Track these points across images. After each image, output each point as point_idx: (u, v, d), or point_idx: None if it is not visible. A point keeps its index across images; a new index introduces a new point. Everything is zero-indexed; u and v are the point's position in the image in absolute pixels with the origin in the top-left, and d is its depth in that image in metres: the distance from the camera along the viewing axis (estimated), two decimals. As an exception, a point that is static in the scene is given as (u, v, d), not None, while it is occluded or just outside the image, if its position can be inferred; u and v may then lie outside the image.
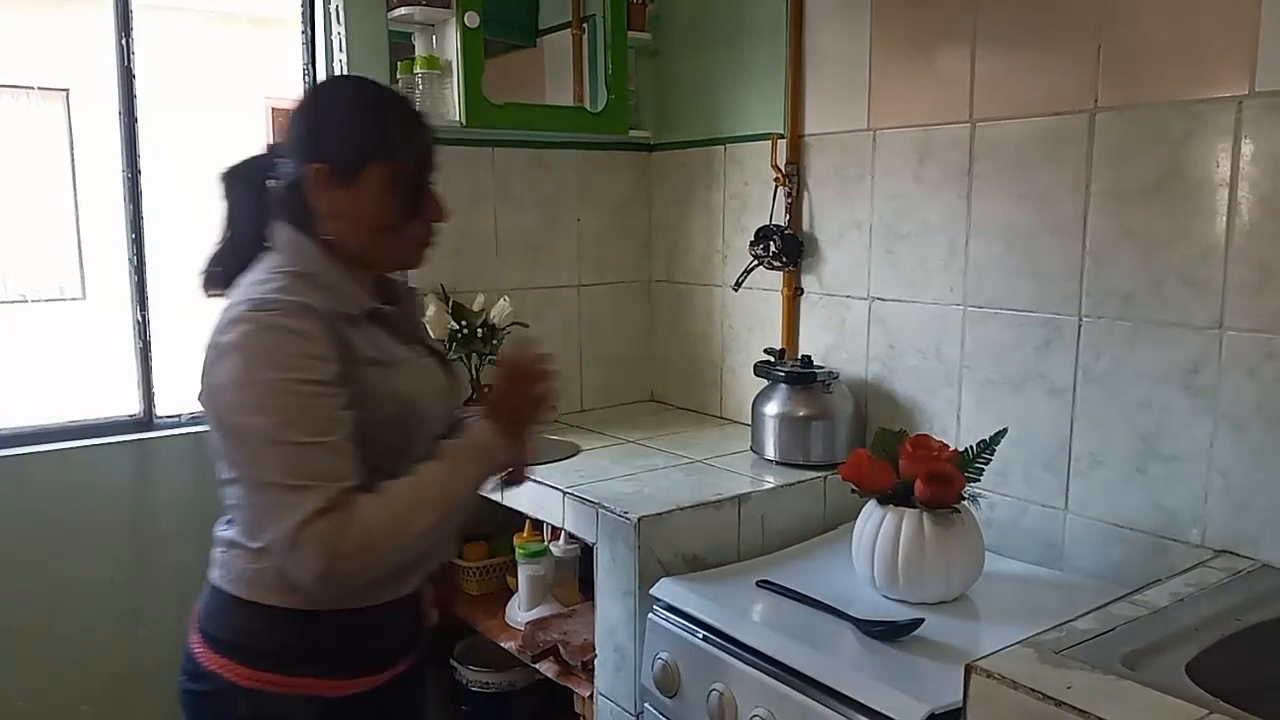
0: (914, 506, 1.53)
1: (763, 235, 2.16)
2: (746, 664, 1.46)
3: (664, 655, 1.60)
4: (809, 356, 2.05)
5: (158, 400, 2.18)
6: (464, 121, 2.16)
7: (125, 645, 2.10)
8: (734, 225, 2.33)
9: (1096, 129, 1.62)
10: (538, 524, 2.12)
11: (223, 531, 1.31)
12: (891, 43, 1.94)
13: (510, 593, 2.21)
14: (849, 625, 1.46)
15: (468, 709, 2.28)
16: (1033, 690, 1.05)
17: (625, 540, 1.69)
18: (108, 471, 2.05)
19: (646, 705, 1.67)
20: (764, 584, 1.62)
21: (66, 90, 5.02)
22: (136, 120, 2.08)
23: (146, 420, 2.16)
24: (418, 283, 2.26)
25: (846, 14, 2.01)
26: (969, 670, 1.11)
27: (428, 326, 2.19)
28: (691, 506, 1.74)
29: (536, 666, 1.99)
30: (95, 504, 2.05)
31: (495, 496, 2.05)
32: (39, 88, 4.97)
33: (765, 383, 2.06)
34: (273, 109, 5.24)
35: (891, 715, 1.25)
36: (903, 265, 1.96)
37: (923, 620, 1.43)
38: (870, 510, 1.58)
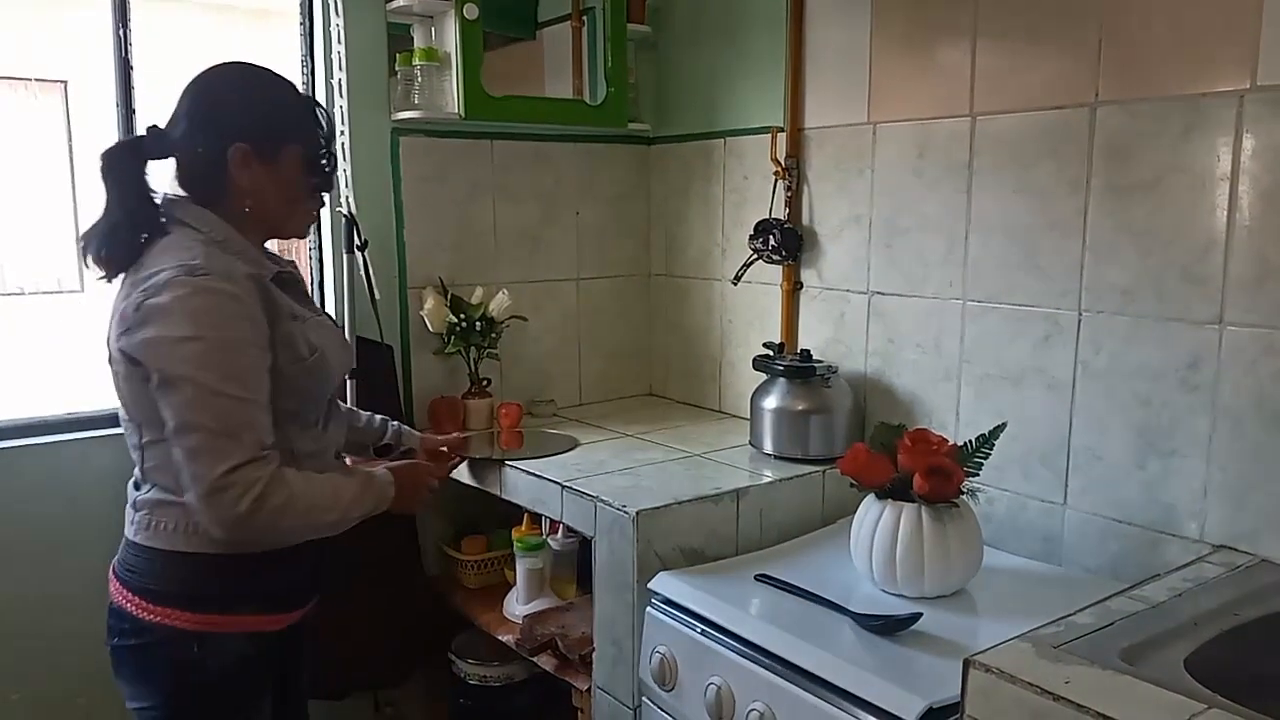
0: (912, 501, 1.53)
1: (762, 229, 2.16)
2: (744, 658, 1.46)
3: (662, 649, 1.60)
4: (808, 350, 2.04)
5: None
6: (463, 114, 2.16)
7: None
8: (733, 219, 2.33)
9: (1097, 123, 1.62)
10: (536, 517, 2.12)
11: (144, 495, 1.41)
12: (892, 36, 1.94)
13: (508, 586, 2.21)
14: (847, 619, 1.46)
15: (465, 702, 2.28)
16: (1031, 684, 1.05)
17: (623, 534, 1.69)
18: (101, 464, 2.05)
19: (644, 699, 1.67)
20: (762, 578, 1.62)
21: (64, 82, 5.01)
22: (134, 112, 2.07)
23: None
24: (416, 277, 2.26)
25: (847, 7, 2.01)
26: (967, 664, 1.11)
27: (426, 320, 2.21)
28: (690, 500, 1.73)
29: (534, 660, 1.99)
30: (89, 496, 2.04)
31: (494, 490, 2.05)
32: (37, 79, 4.96)
33: (764, 377, 2.06)
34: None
35: (889, 709, 1.25)
36: (902, 260, 1.95)
37: (921, 614, 1.43)
38: (869, 504, 1.58)
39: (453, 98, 2.16)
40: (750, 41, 2.23)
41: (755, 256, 2.18)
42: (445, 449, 1.84)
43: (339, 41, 2.10)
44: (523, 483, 1.96)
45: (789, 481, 1.88)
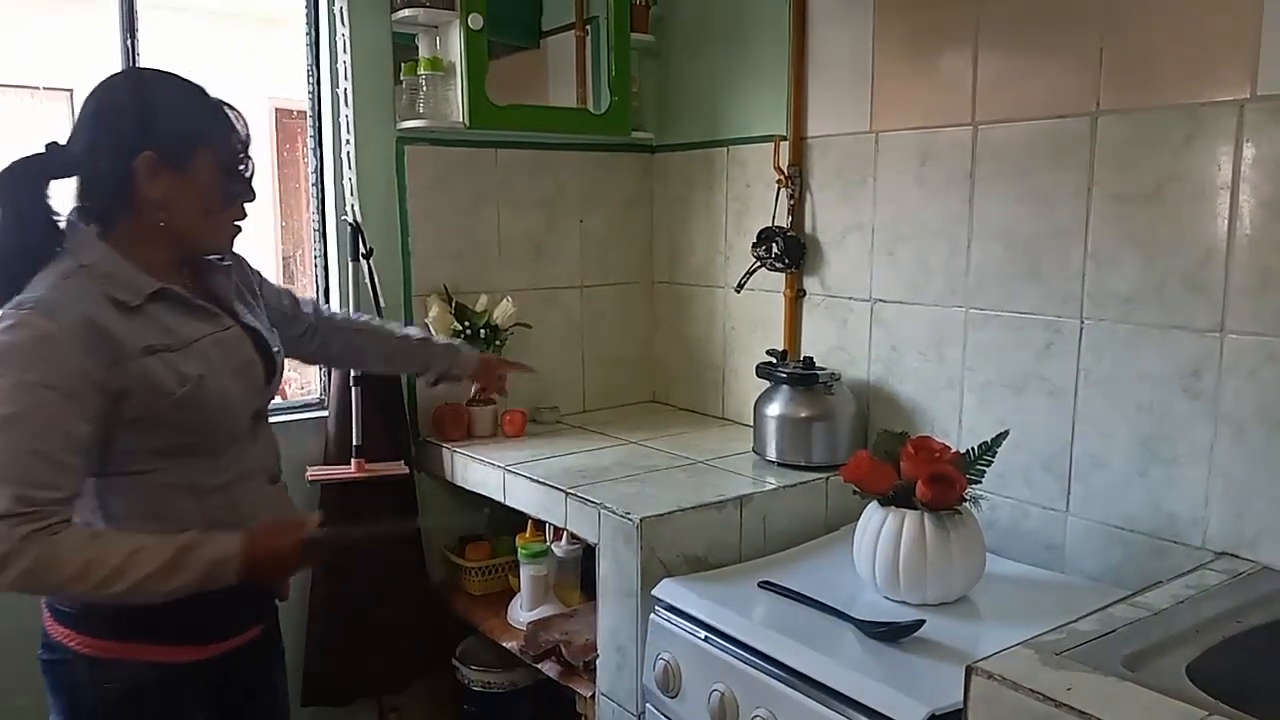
0: (915, 508, 1.53)
1: (765, 237, 2.17)
2: (748, 664, 1.46)
3: (665, 655, 1.60)
4: (811, 358, 2.05)
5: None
6: (467, 123, 2.17)
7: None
8: (736, 227, 2.34)
9: (1098, 132, 1.63)
10: (540, 524, 2.13)
11: None
12: (894, 45, 1.95)
13: (512, 593, 2.22)
14: (850, 626, 1.46)
15: (470, 709, 2.28)
16: (1033, 691, 1.06)
17: (627, 541, 1.70)
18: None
19: (648, 705, 1.68)
20: (766, 585, 1.62)
21: (70, 90, 5.03)
22: (141, 120, 2.08)
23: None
24: (421, 284, 2.27)
25: (849, 16, 2.02)
26: (970, 671, 1.12)
27: (431, 327, 2.20)
28: (693, 507, 1.74)
29: (538, 666, 2.00)
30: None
31: (498, 496, 2.06)
32: (44, 88, 4.98)
33: (767, 384, 2.06)
34: (276, 109, 5.24)
35: (892, 716, 1.25)
36: (904, 267, 1.96)
37: (924, 621, 1.44)
38: (872, 511, 1.59)
39: (457, 107, 2.18)
40: (753, 51, 2.25)
41: (758, 264, 2.19)
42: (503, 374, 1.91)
43: (345, 50, 2.12)
44: (527, 489, 1.97)
45: (792, 489, 1.88)
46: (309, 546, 1.36)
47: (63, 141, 1.31)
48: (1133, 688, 1.06)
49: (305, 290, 2.39)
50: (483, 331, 2.22)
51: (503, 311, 2.25)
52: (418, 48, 2.24)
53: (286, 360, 1.56)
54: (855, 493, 1.62)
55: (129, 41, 2.04)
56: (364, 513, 2.15)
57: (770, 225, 2.18)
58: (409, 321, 2.26)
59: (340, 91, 2.14)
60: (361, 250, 2.14)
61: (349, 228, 2.14)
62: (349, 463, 2.12)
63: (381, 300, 2.14)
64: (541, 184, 2.42)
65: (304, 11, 2.20)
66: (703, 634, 1.55)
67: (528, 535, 2.15)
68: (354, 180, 2.14)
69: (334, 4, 2.12)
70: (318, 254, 2.28)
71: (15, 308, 1.22)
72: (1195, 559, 1.52)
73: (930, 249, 1.91)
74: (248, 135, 1.38)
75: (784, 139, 2.16)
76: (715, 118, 2.37)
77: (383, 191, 2.21)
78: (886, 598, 1.56)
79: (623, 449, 2.17)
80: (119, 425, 1.27)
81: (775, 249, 2.14)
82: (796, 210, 2.16)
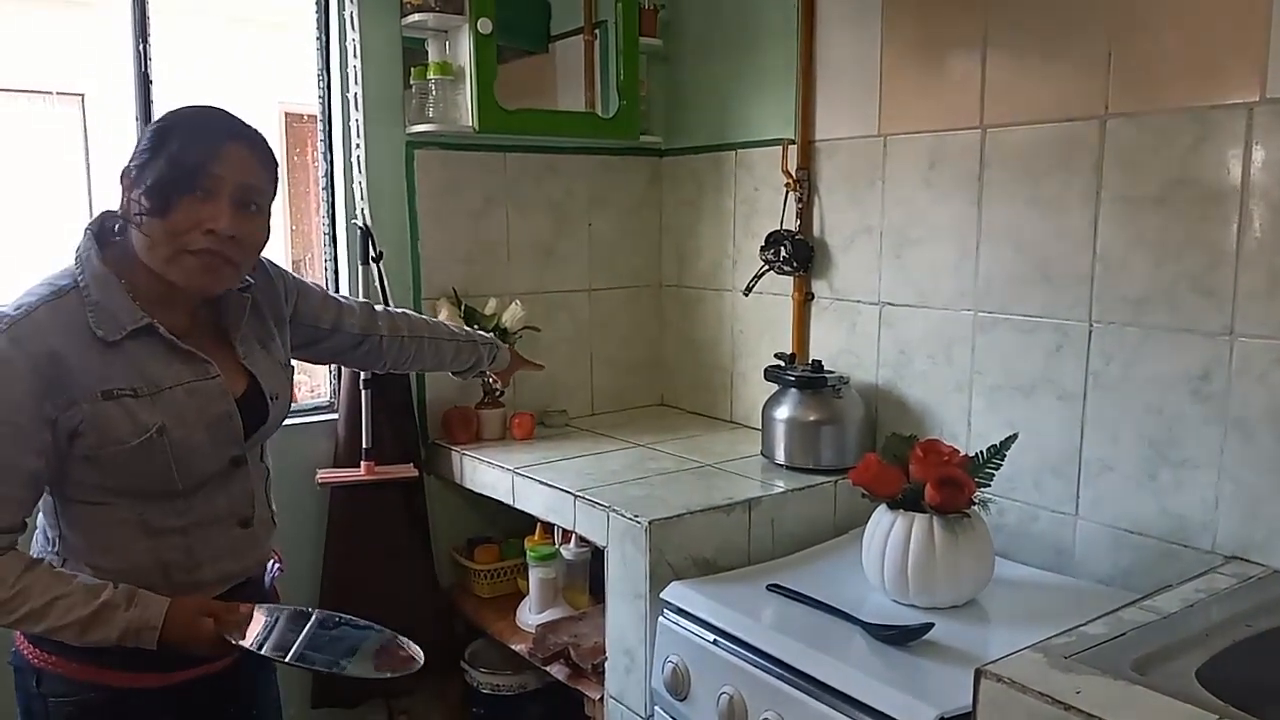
0: (924, 511, 1.53)
1: (773, 240, 2.17)
2: (757, 667, 1.46)
3: (674, 658, 1.61)
4: (819, 361, 2.05)
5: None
6: (476, 127, 2.18)
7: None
8: (744, 230, 2.34)
9: (1107, 135, 1.63)
10: (549, 527, 2.13)
11: None
12: (902, 49, 1.95)
13: (521, 596, 2.22)
14: (859, 629, 1.46)
15: (478, 711, 2.29)
16: (1042, 694, 1.06)
17: (636, 543, 1.70)
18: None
19: (657, 708, 1.68)
20: (774, 588, 1.62)
21: (81, 95, 5.06)
22: (153, 126, 2.09)
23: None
24: (430, 288, 2.28)
25: (858, 20, 2.02)
26: (979, 674, 1.12)
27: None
28: (702, 510, 1.74)
29: (547, 669, 2.00)
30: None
31: (507, 499, 2.07)
32: (57, 93, 5.02)
33: (775, 387, 2.06)
34: (285, 113, 5.26)
35: (901, 719, 1.25)
36: (913, 271, 1.96)
37: (932, 625, 1.44)
38: (880, 515, 1.59)
39: (467, 111, 2.19)
40: (761, 54, 2.25)
41: (766, 267, 2.19)
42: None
43: (355, 55, 2.13)
44: (536, 492, 1.98)
45: (800, 492, 1.89)
46: (228, 643, 1.30)
47: None
48: (1142, 691, 1.06)
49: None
50: (492, 334, 2.22)
51: (512, 315, 2.26)
52: (427, 52, 2.25)
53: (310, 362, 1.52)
54: (864, 496, 1.62)
55: (141, 47, 2.06)
56: (373, 516, 2.17)
57: (778, 228, 2.19)
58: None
59: (350, 96, 2.15)
60: (371, 254, 2.15)
61: (359, 231, 2.15)
62: (359, 465, 2.13)
63: (391, 304, 2.15)
64: (550, 188, 2.43)
65: (314, 16, 2.21)
66: (711, 637, 1.55)
67: (536, 538, 2.16)
68: (364, 184, 2.15)
69: (344, 9, 2.13)
70: (328, 257, 2.29)
71: None
72: (1205, 563, 1.52)
73: (939, 252, 1.91)
74: (198, 161, 1.24)
75: (792, 142, 2.17)
76: (723, 121, 2.37)
77: (392, 195, 2.22)
78: (895, 601, 1.56)
79: (631, 452, 2.17)
80: (72, 460, 1.25)
81: (783, 252, 2.15)
82: (805, 213, 2.17)
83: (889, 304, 2.02)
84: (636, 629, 1.72)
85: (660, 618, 1.65)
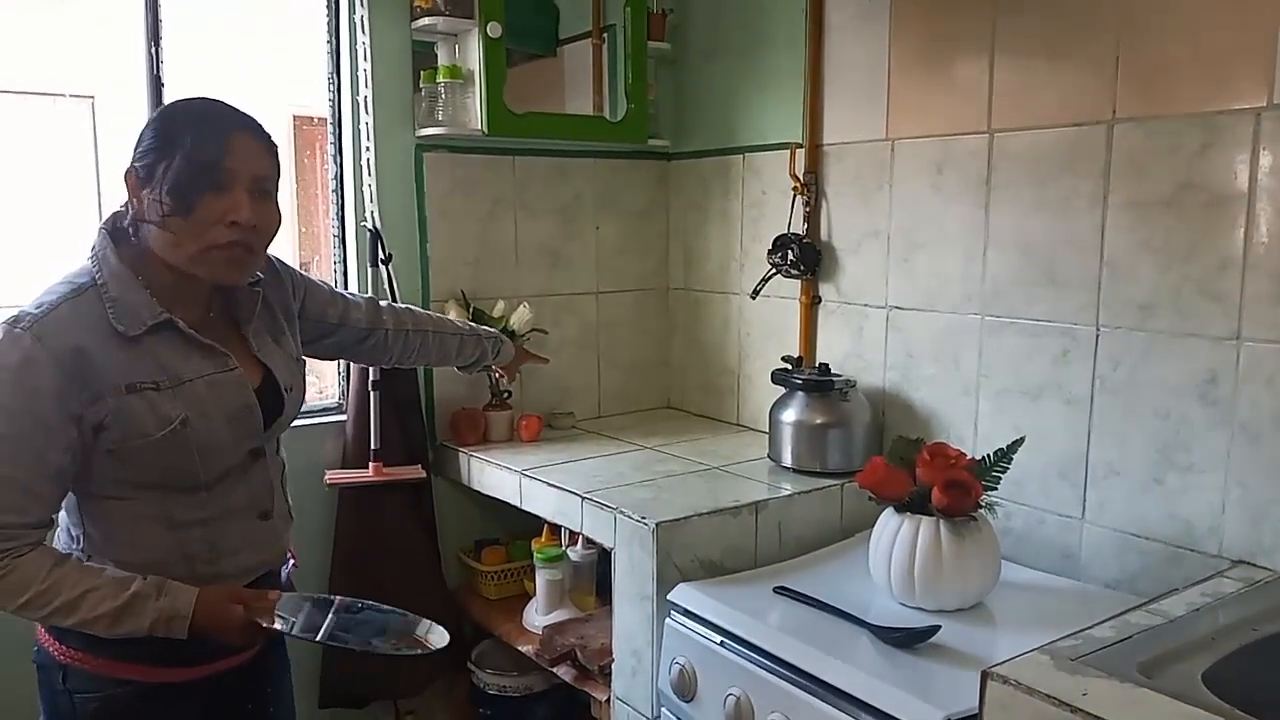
0: (931, 514, 1.54)
1: (780, 244, 2.18)
2: (763, 669, 1.47)
3: (681, 660, 1.61)
4: (826, 364, 2.06)
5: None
6: (485, 130, 2.19)
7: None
8: (752, 234, 2.35)
9: (1115, 140, 1.63)
10: (555, 529, 2.14)
11: None
12: (910, 53, 1.96)
13: (528, 597, 2.23)
14: (866, 631, 1.47)
15: (485, 712, 2.29)
16: (1049, 697, 1.06)
17: (643, 545, 1.71)
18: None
19: (664, 709, 1.68)
20: (781, 590, 1.63)
21: (92, 97, 5.09)
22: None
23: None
24: (439, 290, 2.29)
25: (865, 24, 2.03)
26: (985, 676, 1.12)
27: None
28: (709, 513, 1.75)
29: (554, 670, 2.00)
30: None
31: (514, 501, 2.08)
32: (69, 95, 5.04)
33: (782, 390, 2.07)
34: (294, 116, 5.28)
35: (908, 721, 1.26)
36: (920, 274, 1.97)
37: (939, 627, 1.44)
38: (887, 518, 1.59)
39: (476, 114, 2.20)
40: (769, 58, 2.26)
41: (774, 271, 2.20)
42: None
43: (365, 59, 2.14)
44: (543, 494, 1.99)
45: (807, 495, 1.89)
46: (258, 628, 1.33)
47: None
48: (1148, 694, 1.06)
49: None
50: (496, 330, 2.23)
51: (519, 317, 2.27)
52: (437, 56, 2.26)
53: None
54: (871, 499, 1.62)
55: (153, 49, 2.07)
56: (381, 516, 2.18)
57: (786, 232, 2.20)
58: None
59: (360, 99, 2.16)
60: (380, 256, 2.16)
61: (368, 233, 2.16)
62: (367, 466, 2.14)
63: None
64: (558, 191, 2.44)
65: (324, 20, 2.23)
66: (718, 638, 1.56)
67: (543, 540, 2.17)
68: (373, 187, 2.17)
69: (354, 12, 2.14)
70: (337, 259, 2.30)
71: (11, 324, 1.22)
72: (1211, 567, 1.52)
73: (946, 256, 1.91)
74: (216, 156, 1.26)
75: (800, 146, 2.17)
76: (731, 125, 2.38)
77: (401, 198, 2.23)
78: (902, 603, 1.57)
79: (638, 454, 2.18)
80: (97, 455, 1.27)
81: (791, 256, 2.15)
82: (812, 217, 2.17)
83: (896, 307, 2.02)
84: (643, 630, 1.73)
85: (667, 619, 1.66)
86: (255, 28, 5.41)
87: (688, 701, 1.60)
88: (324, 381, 2.47)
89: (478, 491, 2.21)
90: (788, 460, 2.01)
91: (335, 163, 2.27)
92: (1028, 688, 1.08)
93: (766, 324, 2.34)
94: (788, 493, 1.88)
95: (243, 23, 5.38)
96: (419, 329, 1.82)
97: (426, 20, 2.16)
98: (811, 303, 2.20)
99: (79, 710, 1.33)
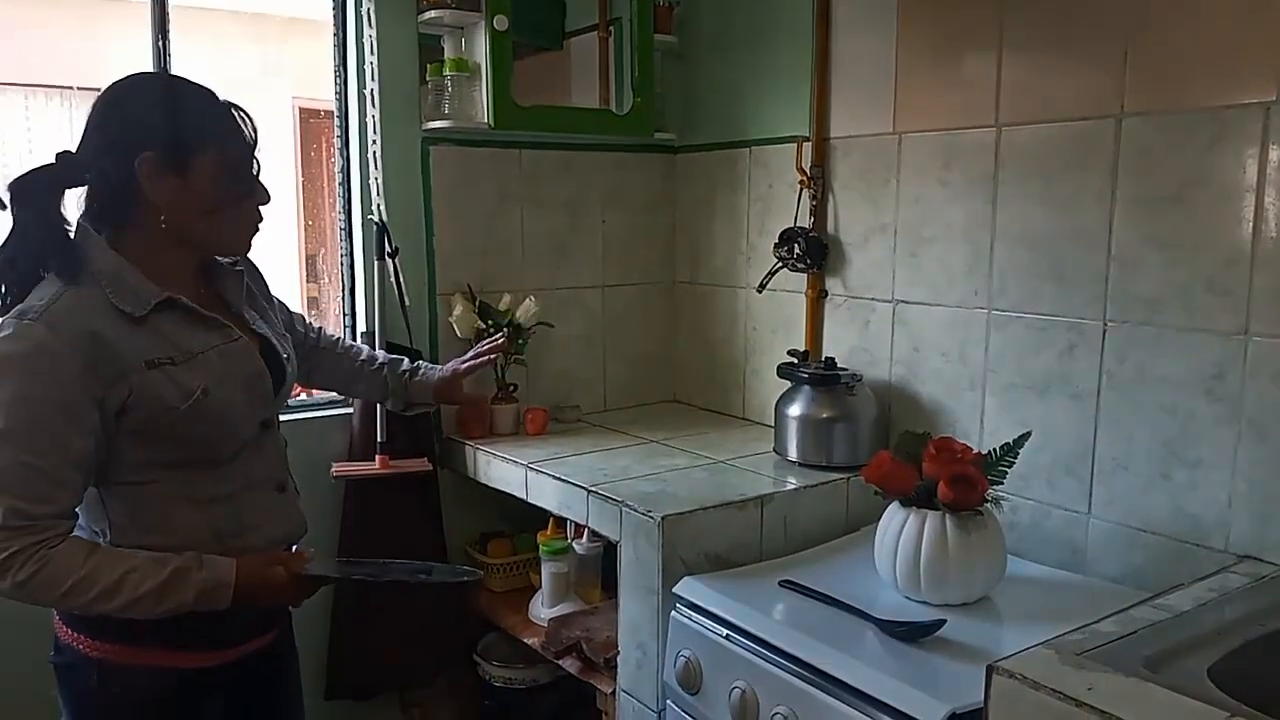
0: (937, 509, 1.54)
1: (787, 238, 2.18)
2: (769, 662, 1.47)
3: (686, 653, 1.62)
4: (833, 359, 2.06)
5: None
6: (492, 123, 2.19)
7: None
8: (758, 227, 2.35)
9: (1123, 134, 1.62)
10: (561, 522, 2.14)
11: None
12: (917, 47, 1.95)
13: (533, 590, 2.24)
14: (871, 625, 1.47)
15: (490, 704, 2.30)
16: (1054, 691, 1.06)
17: (649, 538, 1.71)
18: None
19: (669, 702, 1.69)
20: (786, 584, 1.63)
21: (99, 90, 5.13)
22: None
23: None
24: (445, 283, 2.29)
25: (873, 17, 2.02)
26: (991, 670, 1.12)
27: (455, 326, 2.21)
28: (715, 506, 1.75)
29: (559, 663, 2.01)
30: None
31: (520, 494, 2.08)
32: (78, 88, 5.05)
33: (788, 384, 2.07)
34: (300, 109, 5.29)
35: (913, 714, 1.26)
36: (927, 269, 1.96)
37: (944, 621, 1.44)
38: (893, 512, 1.59)
39: (482, 107, 2.20)
40: (776, 52, 2.25)
41: (780, 265, 2.20)
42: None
43: (372, 51, 2.14)
44: (549, 487, 1.99)
45: (813, 489, 1.89)
46: (303, 581, 1.37)
47: (73, 149, 1.30)
48: (1154, 688, 1.06)
49: (331, 289, 2.41)
50: (506, 330, 2.24)
51: (525, 311, 2.27)
52: (443, 49, 2.26)
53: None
54: (876, 493, 1.62)
55: (160, 42, 2.07)
56: (388, 509, 2.19)
57: (792, 226, 2.19)
58: (433, 320, 2.28)
59: (367, 92, 2.16)
60: (387, 249, 2.16)
61: (375, 227, 2.17)
62: (373, 459, 2.15)
63: (406, 299, 2.17)
64: (564, 184, 2.44)
65: (331, 13, 2.23)
66: (724, 632, 1.56)
67: (549, 532, 2.17)
68: (380, 180, 2.17)
69: (361, 5, 2.14)
70: (344, 253, 2.31)
71: (18, 317, 1.22)
72: (1218, 562, 1.52)
73: (953, 250, 1.91)
74: (254, 138, 1.36)
75: (807, 140, 2.17)
76: (738, 119, 2.38)
77: (408, 191, 2.23)
78: (907, 597, 1.57)
79: (644, 448, 2.18)
80: (120, 437, 1.27)
81: (797, 250, 2.15)
82: (819, 211, 2.17)
83: (903, 302, 2.02)
84: (649, 623, 1.73)
85: (673, 612, 1.66)
86: (262, 19, 5.42)
87: (693, 694, 1.61)
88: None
89: (483, 484, 2.21)
90: (793, 454, 2.01)
91: (342, 156, 2.27)
92: (1034, 682, 1.08)
93: (773, 318, 2.34)
94: (793, 487, 1.88)
95: (250, 14, 5.39)
96: (343, 354, 1.85)
97: (433, 13, 2.15)
98: (818, 297, 2.20)
99: (115, 704, 1.34)
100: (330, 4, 2.22)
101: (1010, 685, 1.10)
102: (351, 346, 1.89)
